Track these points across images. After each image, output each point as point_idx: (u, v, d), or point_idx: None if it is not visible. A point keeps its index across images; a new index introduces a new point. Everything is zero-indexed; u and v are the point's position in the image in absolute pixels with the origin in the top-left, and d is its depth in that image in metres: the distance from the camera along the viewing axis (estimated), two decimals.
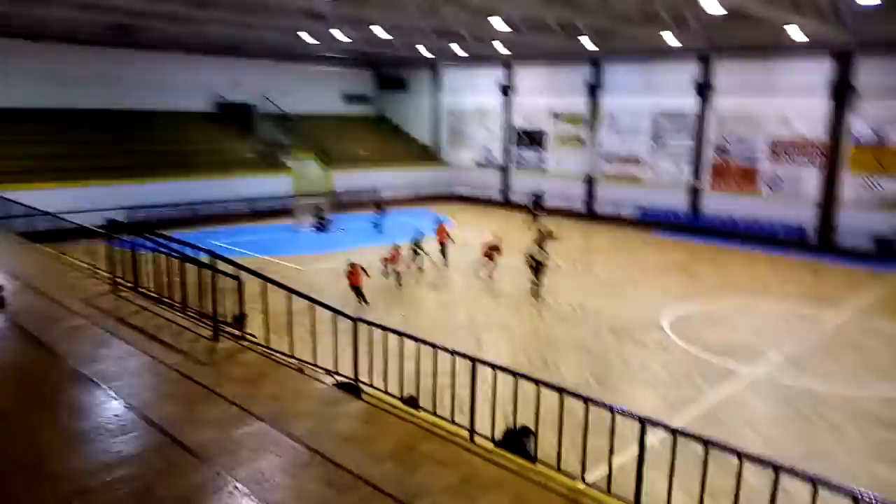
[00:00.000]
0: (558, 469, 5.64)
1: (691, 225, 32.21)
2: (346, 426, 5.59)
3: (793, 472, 4.50)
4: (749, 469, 4.81)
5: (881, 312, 19.54)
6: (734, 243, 29.64)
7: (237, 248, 25.13)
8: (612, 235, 31.56)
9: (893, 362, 15.45)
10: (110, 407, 5.83)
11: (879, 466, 10.60)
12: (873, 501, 4.13)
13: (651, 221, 33.36)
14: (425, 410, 6.66)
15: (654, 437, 10.33)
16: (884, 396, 13.38)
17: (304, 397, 6.17)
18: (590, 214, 35.85)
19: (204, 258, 7.74)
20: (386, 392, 6.85)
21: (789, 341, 16.53)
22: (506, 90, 39.83)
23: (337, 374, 7.42)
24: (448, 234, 24.24)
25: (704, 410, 12.39)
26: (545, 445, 6.24)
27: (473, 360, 5.84)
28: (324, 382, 6.44)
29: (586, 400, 5.39)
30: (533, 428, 6.53)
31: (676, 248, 28.69)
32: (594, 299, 19.80)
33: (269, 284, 7.60)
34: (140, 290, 8.87)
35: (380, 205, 31.63)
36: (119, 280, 9.26)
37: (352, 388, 5.93)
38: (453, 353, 6.15)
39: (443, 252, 23.83)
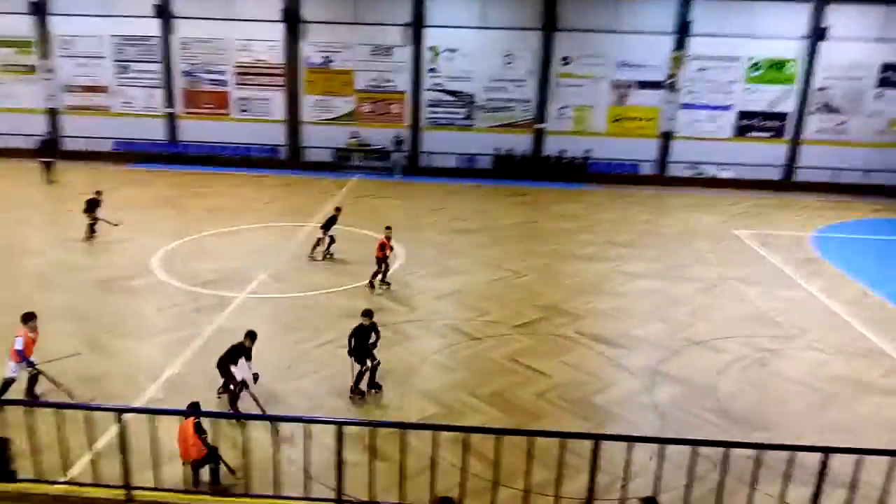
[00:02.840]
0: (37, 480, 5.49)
1: (171, 154, 31.86)
2: None
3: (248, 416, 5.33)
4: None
5: (342, 216, 23.05)
6: (215, 168, 30.63)
7: None
8: (87, 174, 29.03)
9: (351, 260, 18.67)
10: None
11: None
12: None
13: (129, 153, 31.78)
14: None
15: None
16: (347, 289, 16.21)
17: None
18: (58, 151, 32.01)
19: None
20: None
21: (272, 258, 18.34)
22: None
23: None
24: None
25: (200, 345, 13.05)
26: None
27: None
28: None
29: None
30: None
31: (159, 181, 28.17)
32: (76, 253, 18.33)
33: None
34: None
35: None
36: None
37: None
38: None
39: None
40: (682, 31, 30.02)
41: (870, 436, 10.69)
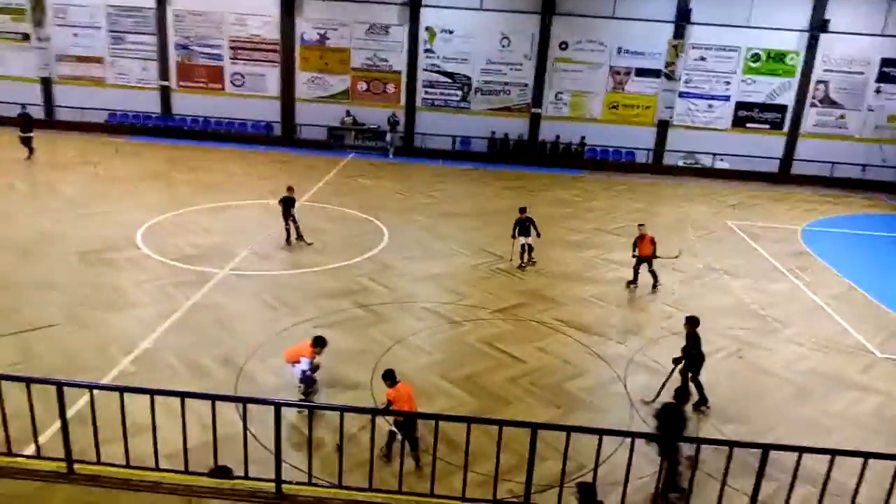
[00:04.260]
0: None
1: (165, 127, 31.67)
2: None
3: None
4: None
5: (332, 195, 22.98)
6: (209, 143, 30.44)
7: None
8: (79, 145, 28.87)
9: (336, 241, 18.59)
10: None
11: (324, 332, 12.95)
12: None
13: (122, 126, 31.60)
14: None
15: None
16: (329, 269, 16.15)
17: None
18: (50, 121, 31.85)
19: None
20: None
21: (259, 236, 18.26)
22: None
23: None
24: None
25: (177, 320, 13.03)
26: None
27: None
28: None
29: None
30: None
31: (151, 154, 27.99)
32: (60, 224, 18.23)
33: None
34: None
35: None
36: None
37: None
38: None
39: None
40: (682, 19, 29.68)
41: (844, 431, 10.70)
